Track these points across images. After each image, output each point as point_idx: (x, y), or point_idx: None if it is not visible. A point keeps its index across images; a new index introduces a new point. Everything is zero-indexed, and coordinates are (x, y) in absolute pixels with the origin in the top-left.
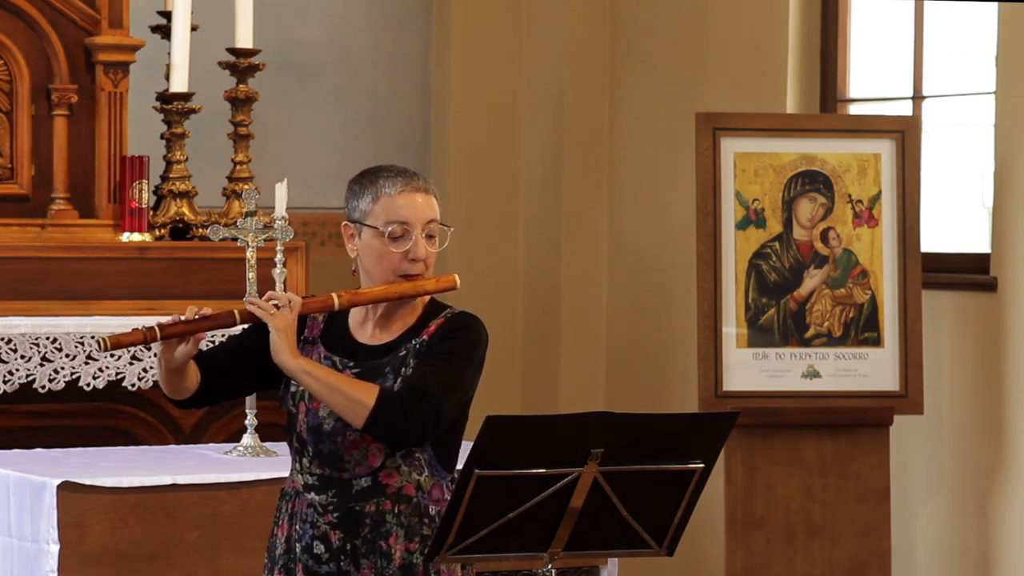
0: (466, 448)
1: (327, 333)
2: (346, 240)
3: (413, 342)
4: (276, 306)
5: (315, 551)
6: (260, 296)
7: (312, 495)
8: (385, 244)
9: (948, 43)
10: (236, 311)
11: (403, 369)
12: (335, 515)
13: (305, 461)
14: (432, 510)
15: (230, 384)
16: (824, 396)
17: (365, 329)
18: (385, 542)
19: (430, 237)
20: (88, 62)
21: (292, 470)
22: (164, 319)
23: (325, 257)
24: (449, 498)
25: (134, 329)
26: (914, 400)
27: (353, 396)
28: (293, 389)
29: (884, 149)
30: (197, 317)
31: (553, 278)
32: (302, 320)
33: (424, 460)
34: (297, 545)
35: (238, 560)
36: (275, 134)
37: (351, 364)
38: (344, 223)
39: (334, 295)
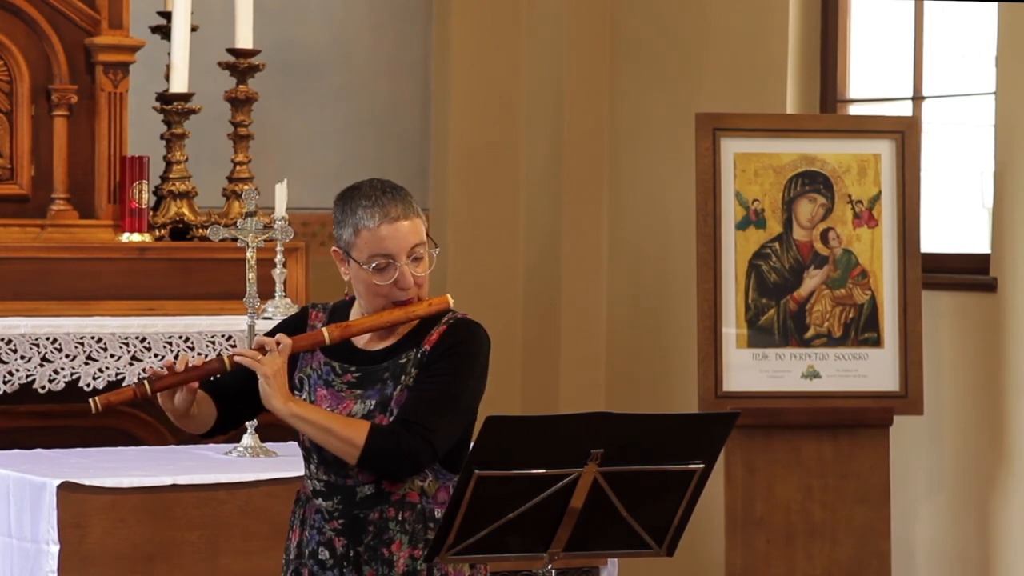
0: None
1: None
2: (337, 264)
3: (414, 350)
4: (264, 350)
5: (320, 557)
6: (260, 298)
7: (320, 501)
8: (371, 276)
9: (948, 43)
10: (226, 358)
11: (403, 377)
12: (340, 521)
13: (312, 467)
14: (437, 514)
15: (248, 407)
16: (824, 396)
17: (364, 335)
18: (388, 549)
19: (417, 260)
20: (88, 62)
21: (304, 475)
22: (158, 368)
23: (325, 257)
24: None
25: (125, 387)
26: (914, 400)
27: (344, 437)
28: (297, 398)
29: (884, 149)
30: (187, 367)
31: (553, 278)
32: (300, 328)
33: (435, 466)
34: (306, 550)
35: (238, 560)
36: (275, 134)
37: (351, 369)
38: (333, 248)
39: (324, 331)
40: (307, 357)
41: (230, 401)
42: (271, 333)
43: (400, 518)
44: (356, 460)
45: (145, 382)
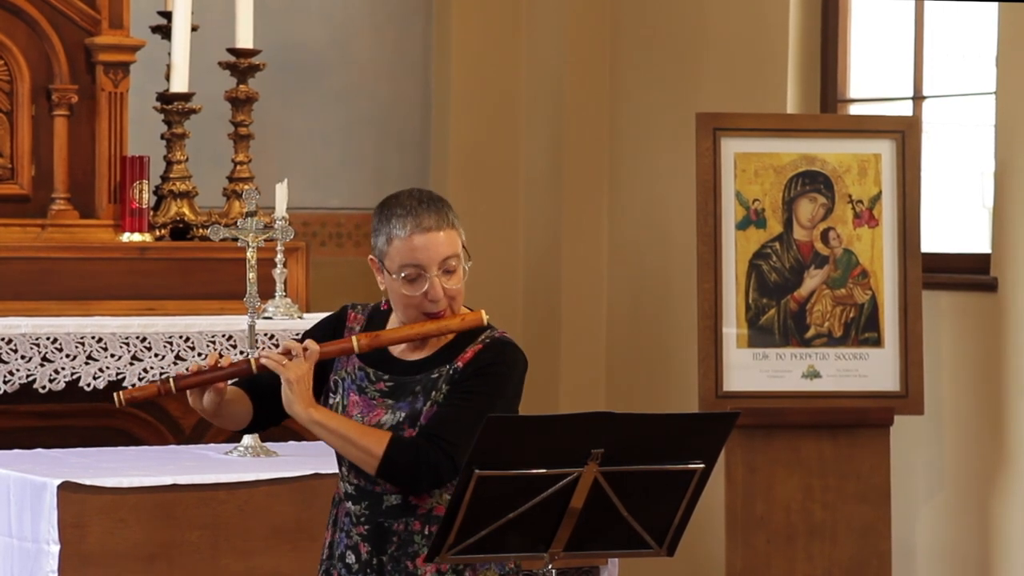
0: None
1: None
2: (374, 272)
3: (447, 367)
4: (291, 354)
5: (347, 560)
6: (260, 298)
7: (350, 504)
8: (401, 286)
9: (948, 43)
10: (252, 360)
11: (433, 392)
12: (366, 527)
13: (344, 469)
14: None
15: (281, 408)
16: (824, 396)
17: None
18: (412, 562)
19: (450, 272)
20: (88, 62)
21: (339, 476)
22: (183, 370)
23: (325, 257)
24: None
25: (150, 383)
26: (914, 400)
27: (363, 446)
28: (332, 402)
29: (884, 149)
30: (213, 366)
31: (553, 278)
32: (338, 328)
33: (456, 481)
34: (336, 552)
35: (238, 560)
36: (275, 134)
37: (385, 377)
38: (369, 257)
39: (354, 339)
40: (343, 360)
41: (263, 400)
42: (306, 334)
43: (426, 532)
44: (375, 470)
45: (170, 380)
